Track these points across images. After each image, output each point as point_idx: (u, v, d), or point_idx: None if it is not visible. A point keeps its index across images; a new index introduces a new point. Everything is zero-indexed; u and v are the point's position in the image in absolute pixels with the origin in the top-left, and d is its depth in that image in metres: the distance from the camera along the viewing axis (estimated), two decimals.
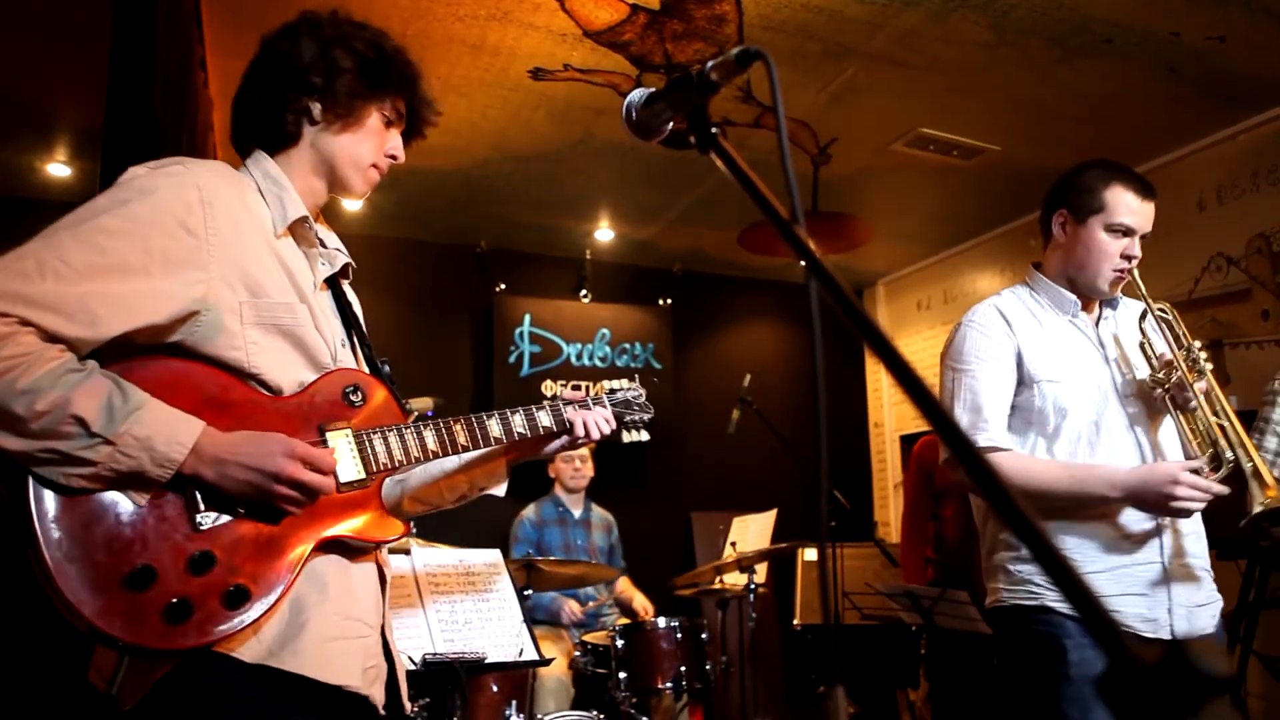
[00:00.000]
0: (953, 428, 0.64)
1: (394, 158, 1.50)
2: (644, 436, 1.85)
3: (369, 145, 1.46)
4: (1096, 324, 2.12)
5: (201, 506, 1.19)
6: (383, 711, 1.36)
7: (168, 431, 1.15)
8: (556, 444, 1.67)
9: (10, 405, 1.07)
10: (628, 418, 1.79)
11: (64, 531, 1.10)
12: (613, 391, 1.78)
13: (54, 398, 1.08)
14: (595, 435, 1.65)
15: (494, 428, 1.53)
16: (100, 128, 2.11)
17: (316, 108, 1.41)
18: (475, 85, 3.71)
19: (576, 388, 5.54)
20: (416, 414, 3.94)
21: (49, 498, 1.11)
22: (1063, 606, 1.87)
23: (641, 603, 4.34)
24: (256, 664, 1.19)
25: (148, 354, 1.23)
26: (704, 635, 3.60)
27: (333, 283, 1.49)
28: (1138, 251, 2.03)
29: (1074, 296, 2.08)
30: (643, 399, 1.83)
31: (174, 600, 1.13)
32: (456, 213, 5.06)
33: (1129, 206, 2.00)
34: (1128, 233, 2.01)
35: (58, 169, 4.24)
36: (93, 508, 1.13)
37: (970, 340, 2.07)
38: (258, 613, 1.19)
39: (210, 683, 1.17)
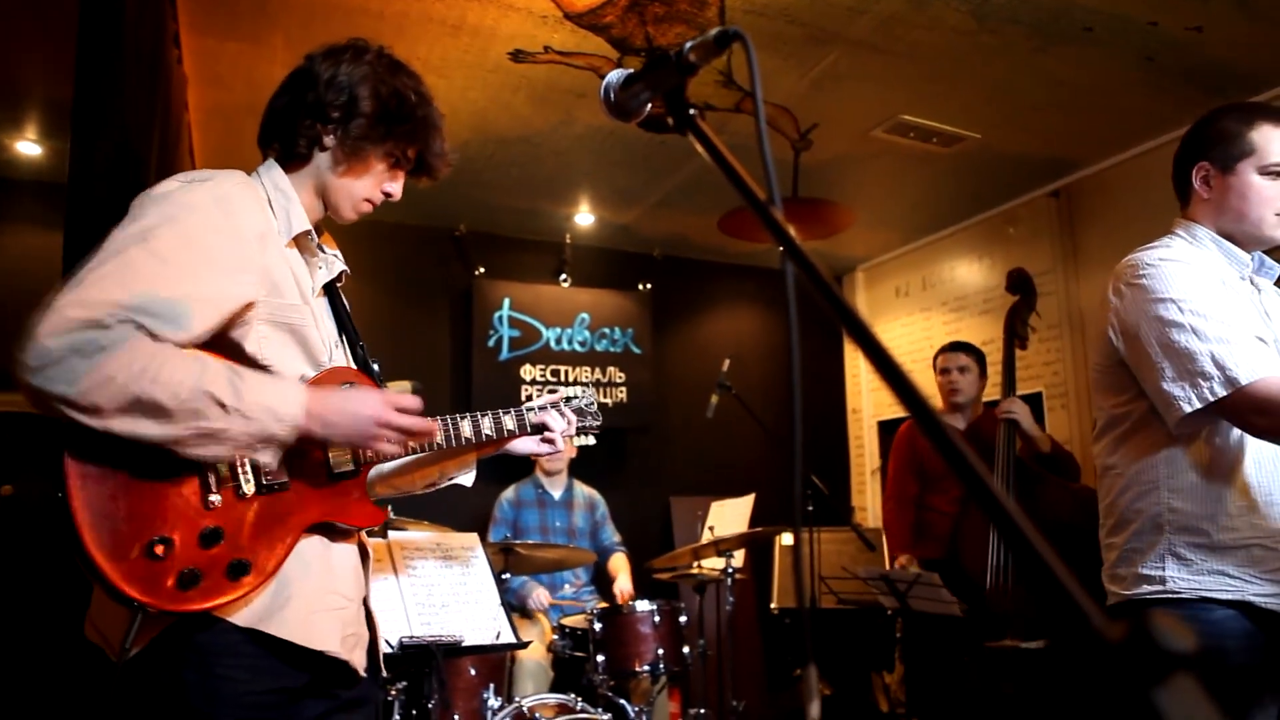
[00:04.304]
0: (928, 412, 0.64)
1: (389, 195, 1.58)
2: (591, 441, 2.05)
3: (368, 183, 1.55)
4: (1260, 291, 1.90)
5: (213, 488, 1.32)
6: (363, 674, 1.49)
7: (280, 395, 1.31)
8: (530, 448, 1.89)
9: (155, 396, 1.20)
10: (579, 424, 1.97)
11: (94, 504, 1.24)
12: (568, 400, 1.97)
13: (191, 385, 1.23)
14: (560, 444, 1.91)
15: (465, 428, 1.71)
16: (70, 104, 2.06)
17: (329, 139, 1.50)
18: (454, 66, 3.68)
19: (555, 374, 5.53)
20: None
21: (82, 475, 1.24)
22: (1271, 603, 1.68)
23: (621, 587, 4.35)
24: (248, 627, 1.31)
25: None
26: (682, 619, 3.62)
27: (328, 289, 1.60)
28: None
29: (1246, 255, 1.87)
30: (594, 407, 2.02)
31: (185, 569, 1.26)
32: (435, 195, 5.01)
33: None
34: None
35: (27, 146, 4.16)
36: (118, 484, 1.26)
37: (1170, 272, 1.76)
38: (253, 585, 1.32)
39: (208, 639, 1.29)
